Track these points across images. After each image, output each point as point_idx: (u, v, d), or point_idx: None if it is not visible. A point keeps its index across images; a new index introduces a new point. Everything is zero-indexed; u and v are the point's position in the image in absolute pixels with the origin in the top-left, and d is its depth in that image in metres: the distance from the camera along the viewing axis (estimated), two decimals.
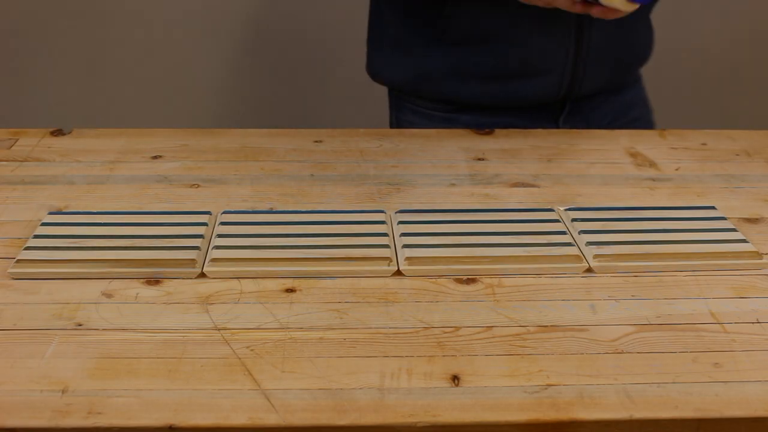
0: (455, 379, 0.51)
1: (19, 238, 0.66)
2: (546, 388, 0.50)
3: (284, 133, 0.89)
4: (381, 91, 1.06)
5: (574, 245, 0.65)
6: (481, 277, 0.62)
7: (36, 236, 0.64)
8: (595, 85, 0.94)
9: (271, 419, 0.47)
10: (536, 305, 0.59)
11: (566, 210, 0.71)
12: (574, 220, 0.69)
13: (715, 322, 0.57)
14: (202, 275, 0.61)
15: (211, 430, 0.47)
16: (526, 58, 0.90)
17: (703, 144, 0.89)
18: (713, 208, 0.72)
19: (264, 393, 0.49)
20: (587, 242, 0.65)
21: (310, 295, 0.59)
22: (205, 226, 0.66)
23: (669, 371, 0.52)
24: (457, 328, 0.56)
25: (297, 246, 0.63)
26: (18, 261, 0.61)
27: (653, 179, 0.80)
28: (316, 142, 0.87)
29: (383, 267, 0.62)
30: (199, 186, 0.76)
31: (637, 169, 0.82)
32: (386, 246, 0.64)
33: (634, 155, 0.85)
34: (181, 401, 0.48)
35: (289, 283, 0.61)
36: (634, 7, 0.74)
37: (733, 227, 0.68)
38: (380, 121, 1.07)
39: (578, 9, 0.77)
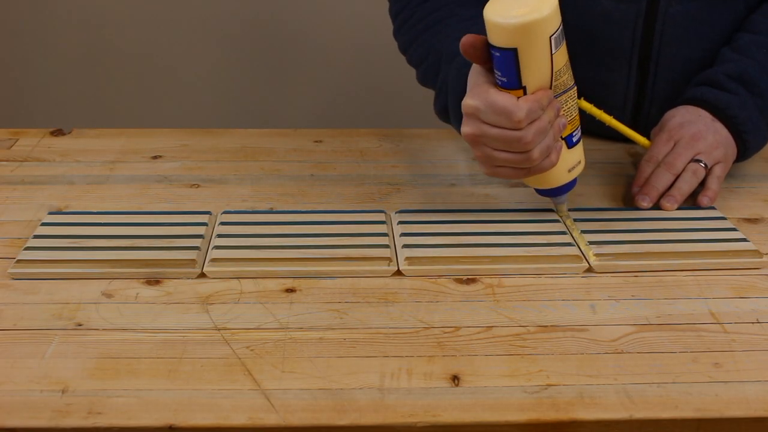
0: (455, 379, 0.51)
1: (19, 238, 0.66)
2: (546, 388, 0.50)
3: (284, 133, 0.89)
4: (381, 91, 1.06)
5: (574, 245, 0.65)
6: (481, 277, 0.62)
7: (36, 236, 0.64)
8: None
9: (271, 419, 0.47)
10: (536, 305, 0.59)
11: (567, 210, 0.71)
12: (575, 220, 0.68)
13: (715, 322, 0.57)
14: (202, 275, 0.61)
15: (211, 430, 0.47)
16: (584, 83, 0.85)
17: None
18: (713, 208, 0.72)
19: (264, 393, 0.49)
20: (589, 242, 0.65)
21: (310, 295, 0.59)
22: (205, 226, 0.66)
23: (669, 371, 0.52)
24: (457, 328, 0.56)
25: (297, 246, 0.63)
26: (18, 261, 0.61)
27: None
28: (316, 142, 0.87)
29: (383, 267, 0.62)
30: (199, 186, 0.76)
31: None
32: (386, 246, 0.64)
33: (634, 155, 0.85)
34: (181, 401, 0.48)
35: (289, 283, 0.60)
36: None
37: (734, 227, 0.68)
38: (380, 121, 1.07)
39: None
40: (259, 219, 0.68)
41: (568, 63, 0.62)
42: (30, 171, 0.78)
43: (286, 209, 0.72)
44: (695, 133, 0.73)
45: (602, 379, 0.51)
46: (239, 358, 0.52)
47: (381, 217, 0.69)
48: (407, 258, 0.62)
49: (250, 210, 0.71)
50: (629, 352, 0.54)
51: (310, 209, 0.71)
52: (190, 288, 0.60)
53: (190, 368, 0.51)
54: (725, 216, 0.71)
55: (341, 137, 0.88)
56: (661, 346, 0.54)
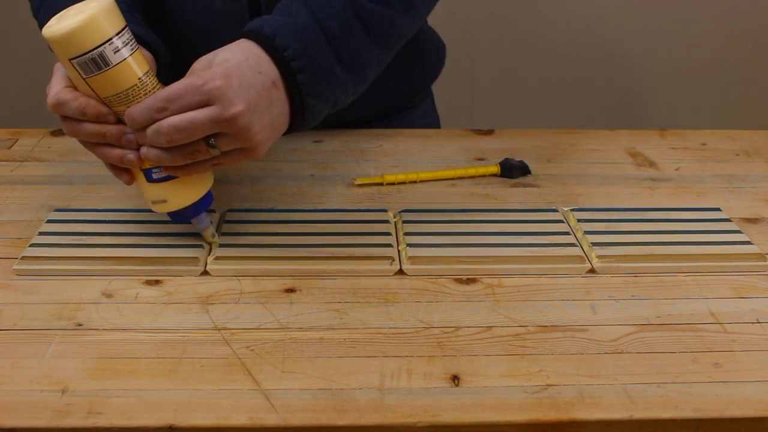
0: (455, 379, 0.51)
1: (19, 239, 0.66)
2: (546, 388, 0.50)
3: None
4: None
5: (577, 246, 0.65)
6: (481, 276, 0.62)
7: (41, 233, 0.64)
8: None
9: (271, 419, 0.47)
10: (536, 305, 0.59)
11: (571, 210, 0.71)
12: (579, 220, 0.68)
13: (715, 322, 0.57)
14: (205, 273, 0.61)
15: (211, 430, 0.47)
16: None
17: (703, 144, 0.89)
18: (718, 209, 0.72)
19: (264, 393, 0.49)
20: (592, 243, 0.65)
21: (310, 295, 0.59)
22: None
23: (669, 371, 0.52)
24: (457, 328, 0.56)
25: (303, 245, 0.63)
26: (23, 258, 0.61)
27: (653, 179, 0.80)
28: (316, 142, 0.87)
29: (386, 266, 0.62)
30: None
31: (637, 169, 0.82)
32: (389, 245, 0.64)
33: (634, 155, 0.85)
34: (181, 401, 0.48)
35: (289, 283, 0.61)
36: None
37: (738, 229, 0.68)
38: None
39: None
40: (265, 217, 0.68)
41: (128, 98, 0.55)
42: (30, 171, 0.78)
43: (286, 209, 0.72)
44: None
45: (602, 379, 0.51)
46: (239, 358, 0.52)
47: (384, 216, 0.69)
48: (410, 257, 0.62)
49: (256, 208, 0.71)
50: (629, 352, 0.54)
51: (310, 209, 0.71)
52: (190, 288, 0.60)
53: (190, 368, 0.51)
54: (729, 218, 0.70)
55: (341, 137, 0.88)
56: (661, 346, 0.54)
